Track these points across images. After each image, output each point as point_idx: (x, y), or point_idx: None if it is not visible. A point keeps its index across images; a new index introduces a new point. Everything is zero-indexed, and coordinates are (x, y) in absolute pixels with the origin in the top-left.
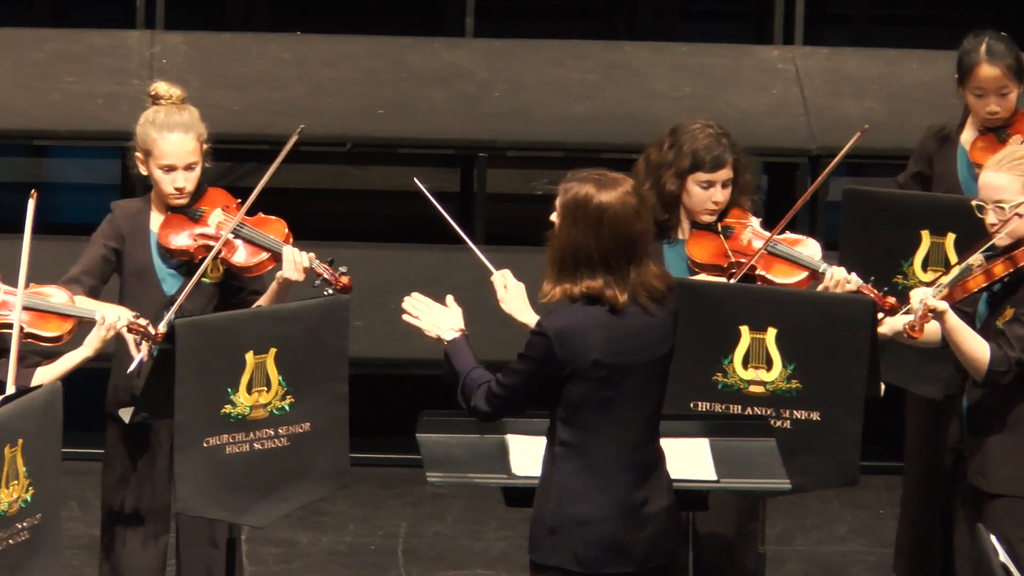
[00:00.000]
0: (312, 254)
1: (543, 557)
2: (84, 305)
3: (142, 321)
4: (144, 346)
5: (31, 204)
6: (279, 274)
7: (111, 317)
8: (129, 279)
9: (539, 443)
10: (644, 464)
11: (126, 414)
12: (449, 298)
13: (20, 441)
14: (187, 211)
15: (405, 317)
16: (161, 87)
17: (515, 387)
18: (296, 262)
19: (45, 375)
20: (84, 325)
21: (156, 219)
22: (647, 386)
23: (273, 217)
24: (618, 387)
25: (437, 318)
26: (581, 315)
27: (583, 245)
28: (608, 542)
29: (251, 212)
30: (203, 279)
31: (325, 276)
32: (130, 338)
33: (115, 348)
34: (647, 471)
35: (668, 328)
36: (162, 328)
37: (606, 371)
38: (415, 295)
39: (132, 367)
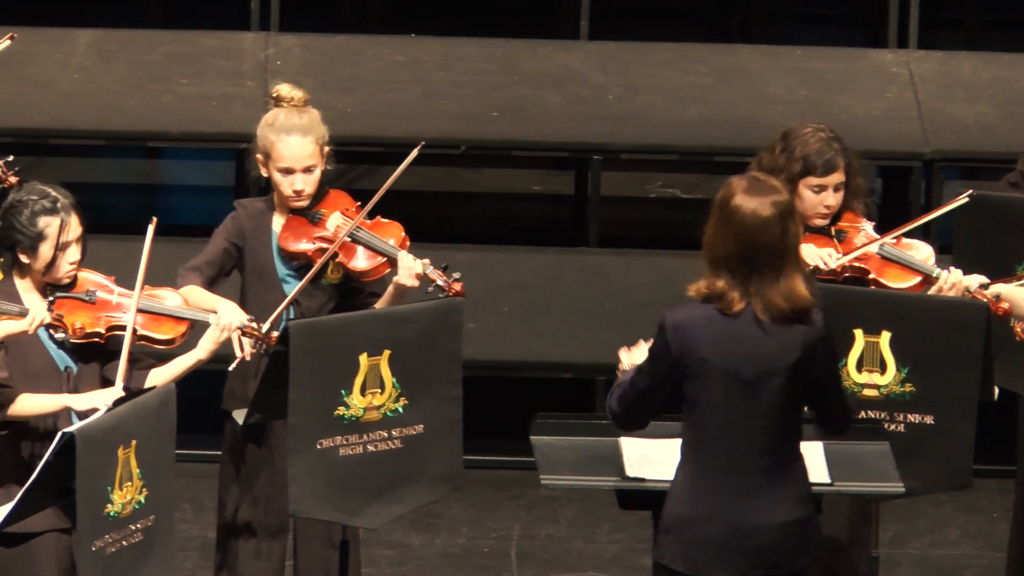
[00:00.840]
0: (427, 260)
1: (657, 555)
2: (198, 307)
3: (256, 324)
4: (247, 346)
5: (150, 230)
6: (394, 279)
7: (225, 320)
8: (250, 278)
9: (653, 445)
10: (762, 473)
11: (240, 416)
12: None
13: (134, 443)
14: (307, 213)
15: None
16: (283, 89)
17: (641, 385)
18: (411, 268)
19: (159, 377)
20: (198, 327)
21: (278, 220)
22: (763, 395)
23: (391, 221)
24: (728, 390)
25: (638, 355)
26: (696, 312)
27: (714, 244)
28: (713, 545)
29: (370, 215)
30: (322, 281)
31: (439, 282)
32: (235, 336)
33: (230, 350)
34: (766, 481)
35: (790, 343)
36: (276, 331)
37: (713, 371)
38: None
39: (232, 366)
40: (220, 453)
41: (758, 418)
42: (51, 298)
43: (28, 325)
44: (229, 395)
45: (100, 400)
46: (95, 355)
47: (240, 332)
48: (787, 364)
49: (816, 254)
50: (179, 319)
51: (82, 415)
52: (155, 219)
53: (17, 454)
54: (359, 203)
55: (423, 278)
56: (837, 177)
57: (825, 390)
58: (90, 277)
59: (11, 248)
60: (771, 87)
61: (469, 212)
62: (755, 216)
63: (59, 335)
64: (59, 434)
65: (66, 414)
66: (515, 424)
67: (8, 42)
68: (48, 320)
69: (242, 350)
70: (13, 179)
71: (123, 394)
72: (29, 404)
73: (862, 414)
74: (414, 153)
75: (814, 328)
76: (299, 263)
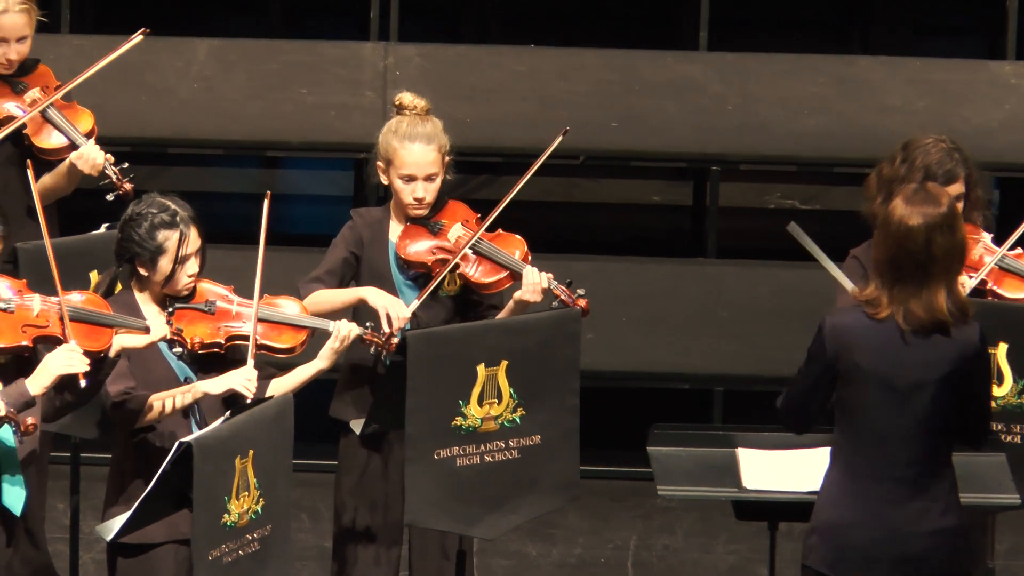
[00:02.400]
0: (550, 275)
1: (803, 557)
2: (318, 304)
3: (376, 331)
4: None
5: (265, 205)
6: (516, 294)
7: (344, 329)
8: (367, 286)
9: (770, 457)
10: (911, 482)
11: (357, 425)
12: None
13: (251, 452)
14: (427, 223)
15: None
16: (406, 97)
17: (799, 385)
18: (535, 283)
19: (279, 387)
20: (317, 335)
21: (395, 229)
22: (915, 405)
23: (512, 234)
24: (878, 396)
25: None
26: (854, 316)
27: (877, 247)
28: (857, 551)
29: (491, 228)
30: (440, 292)
31: (563, 297)
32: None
33: (345, 358)
34: (916, 490)
35: (942, 355)
36: (395, 338)
37: (866, 377)
38: None
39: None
40: (336, 463)
41: (910, 427)
42: (170, 310)
43: (147, 340)
44: (341, 404)
45: (236, 381)
46: (215, 365)
47: (360, 339)
48: (939, 376)
49: None
50: (299, 328)
51: (203, 423)
52: (269, 193)
53: (137, 463)
54: (478, 214)
55: (546, 292)
56: (957, 188)
57: (974, 405)
58: (209, 287)
59: (130, 260)
60: (891, 98)
61: (588, 222)
62: (902, 223)
63: (176, 350)
64: (176, 443)
65: (185, 424)
66: (632, 434)
67: (139, 38)
68: (168, 335)
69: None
70: (128, 186)
71: (255, 372)
72: (164, 402)
73: None
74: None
75: (969, 344)
76: (417, 272)
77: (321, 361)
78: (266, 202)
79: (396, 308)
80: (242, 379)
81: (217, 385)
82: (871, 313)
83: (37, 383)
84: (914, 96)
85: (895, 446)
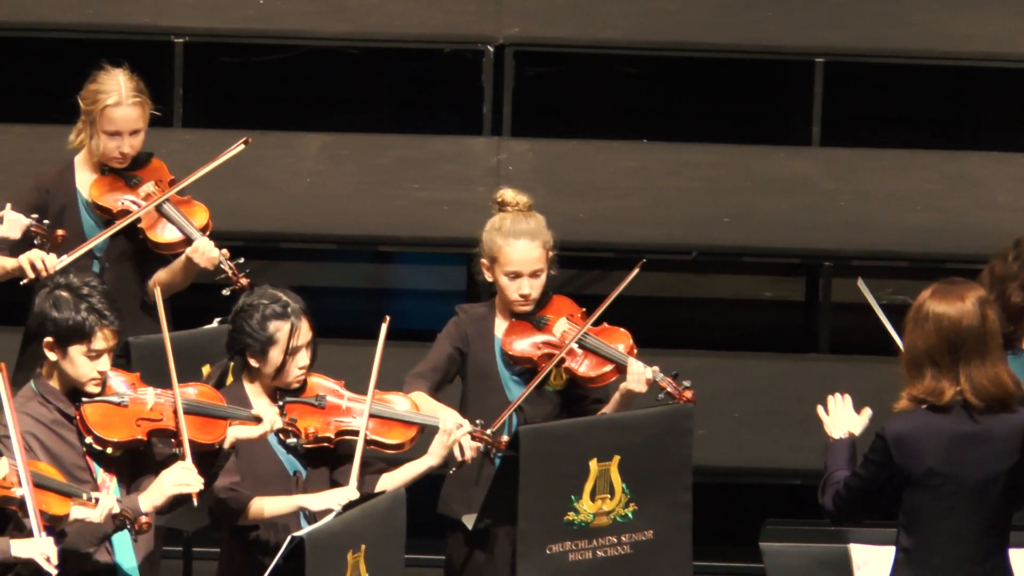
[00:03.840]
0: (656, 367)
1: None
2: (428, 412)
3: (486, 429)
4: (468, 451)
5: (383, 329)
6: (623, 386)
7: (454, 426)
8: (473, 383)
9: (883, 552)
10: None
11: (469, 520)
12: (866, 410)
13: (363, 547)
14: (532, 318)
15: (819, 408)
16: (508, 194)
17: (857, 489)
18: (640, 374)
19: (390, 482)
20: (426, 432)
21: (500, 325)
22: (986, 500)
23: (617, 328)
24: (954, 497)
25: (840, 418)
26: (920, 420)
27: (914, 347)
28: None
29: (596, 322)
30: (547, 387)
31: (668, 389)
32: (464, 440)
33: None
34: None
35: (1008, 443)
36: (505, 436)
37: (940, 480)
38: (844, 396)
39: (453, 470)
40: (443, 558)
41: (982, 523)
42: (280, 403)
43: (260, 431)
44: (448, 500)
45: (335, 500)
46: (324, 460)
47: (470, 436)
48: (1008, 466)
49: None
50: (408, 424)
51: (312, 518)
52: (388, 318)
53: (247, 557)
54: (583, 309)
55: (652, 384)
56: None
57: None
58: (320, 382)
59: (241, 352)
60: (1001, 194)
61: (699, 318)
62: (951, 306)
63: (291, 440)
64: (288, 538)
65: (295, 518)
66: (744, 530)
67: (241, 147)
68: (281, 426)
69: (463, 455)
70: (244, 281)
71: (357, 494)
72: (264, 507)
73: None
74: (635, 271)
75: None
76: (522, 367)
77: (432, 458)
78: (384, 326)
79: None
80: (342, 498)
81: (317, 503)
82: (934, 402)
83: (149, 501)
84: None
85: (970, 545)
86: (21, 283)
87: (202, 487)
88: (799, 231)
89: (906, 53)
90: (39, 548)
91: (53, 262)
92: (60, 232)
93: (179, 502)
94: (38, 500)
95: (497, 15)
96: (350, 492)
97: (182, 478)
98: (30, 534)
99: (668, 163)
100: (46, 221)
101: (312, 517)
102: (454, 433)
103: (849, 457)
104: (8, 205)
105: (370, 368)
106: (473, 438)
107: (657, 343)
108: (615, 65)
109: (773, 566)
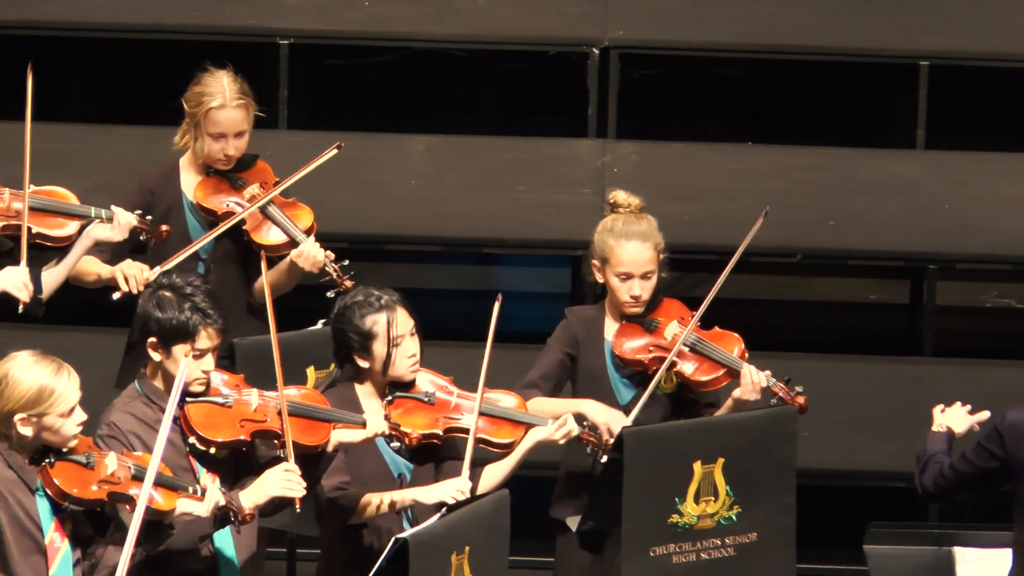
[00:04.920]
0: (768, 372)
1: None
2: (535, 412)
3: (593, 431)
4: (588, 447)
5: (496, 308)
6: (735, 393)
7: (564, 428)
8: (583, 386)
9: (987, 555)
10: None
11: (573, 522)
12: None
13: (467, 549)
14: (642, 321)
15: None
16: (620, 196)
17: (963, 473)
18: (754, 383)
19: (492, 473)
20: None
21: (611, 327)
22: None
23: (729, 332)
24: None
25: (952, 416)
26: None
27: None
28: None
29: (707, 325)
30: (657, 390)
31: (780, 395)
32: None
33: (563, 456)
34: None
35: None
36: (611, 440)
37: None
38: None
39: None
40: (549, 560)
41: None
42: (389, 398)
43: (364, 435)
44: (559, 502)
45: (447, 492)
46: (430, 457)
47: (579, 436)
48: None
49: None
50: (517, 423)
51: (415, 520)
52: (500, 296)
53: (349, 560)
54: (694, 312)
55: (765, 390)
56: None
57: None
58: (430, 378)
59: (348, 358)
60: None
61: (803, 320)
62: None
63: (395, 444)
64: (392, 540)
65: (398, 520)
66: (848, 533)
67: (335, 151)
68: (385, 432)
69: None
70: (348, 283)
71: (470, 484)
72: (377, 502)
73: None
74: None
75: None
76: (633, 370)
77: (528, 443)
78: (496, 305)
79: (616, 422)
80: (454, 491)
81: (430, 495)
82: None
83: (251, 499)
84: None
85: None
86: (114, 296)
87: (304, 492)
88: (904, 234)
89: (1011, 56)
90: None
91: (146, 275)
92: (164, 228)
93: (281, 505)
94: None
95: (603, 18)
96: (463, 483)
97: (286, 483)
98: (140, 534)
99: (773, 166)
100: (149, 217)
101: (414, 519)
102: (563, 429)
103: (947, 447)
104: (112, 206)
105: (476, 370)
106: (581, 439)
107: (762, 346)
108: (720, 68)
109: (877, 569)
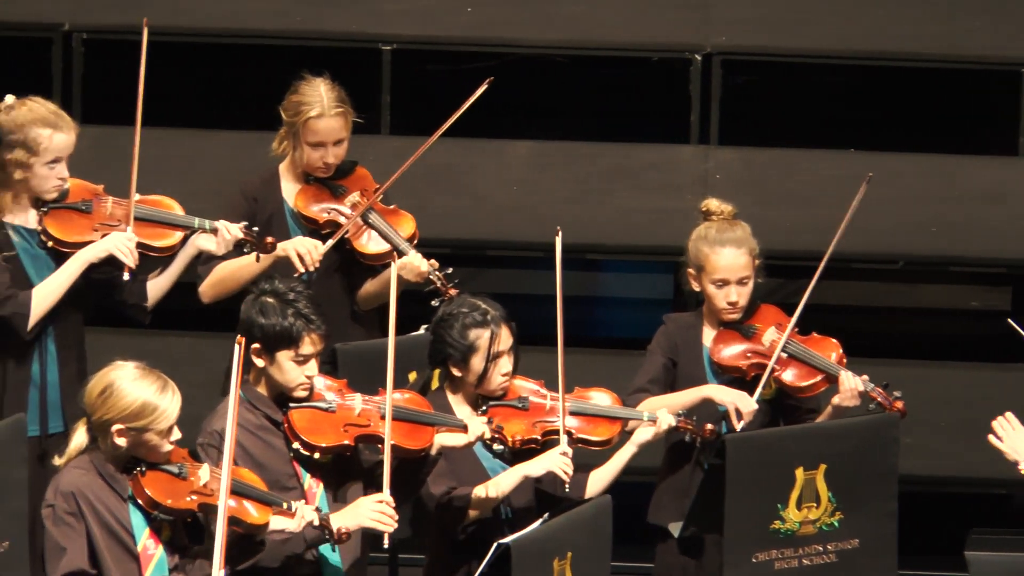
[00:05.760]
0: (866, 377)
1: None
2: (629, 407)
3: (689, 419)
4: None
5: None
6: (834, 399)
7: (662, 418)
8: (681, 390)
9: None
10: None
11: (676, 528)
12: None
13: (569, 554)
14: (740, 327)
15: (990, 437)
16: (712, 203)
17: None
18: (852, 389)
19: (599, 477)
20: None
21: (708, 333)
22: None
23: (827, 337)
24: None
25: (1019, 442)
26: None
27: None
28: None
29: (805, 331)
30: (755, 396)
31: (879, 400)
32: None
33: (662, 461)
34: None
35: None
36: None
37: None
38: (1007, 415)
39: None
40: (651, 566)
41: None
42: (483, 408)
43: (467, 440)
44: (659, 509)
45: (555, 463)
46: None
47: (674, 428)
48: None
49: None
50: (613, 419)
51: (514, 526)
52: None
53: (452, 566)
54: (791, 317)
55: (864, 396)
56: None
57: None
58: (521, 383)
59: (443, 363)
60: None
61: (905, 327)
62: None
63: (498, 447)
64: (494, 545)
65: (500, 528)
66: (950, 540)
67: (485, 87)
68: (488, 435)
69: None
70: (452, 291)
71: (571, 449)
72: (488, 490)
73: None
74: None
75: None
76: (731, 376)
77: (632, 446)
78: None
79: (744, 402)
80: (560, 462)
81: (536, 467)
82: None
83: (341, 522)
84: None
85: None
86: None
87: (394, 528)
88: (1005, 241)
89: None
90: None
91: (321, 250)
92: (270, 240)
93: (371, 534)
94: (238, 508)
95: (705, 24)
96: (564, 449)
97: (378, 514)
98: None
99: (875, 172)
100: (256, 228)
101: (513, 524)
102: (662, 425)
103: None
104: (218, 221)
105: (578, 375)
106: (678, 429)
107: (863, 352)
108: (822, 74)
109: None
